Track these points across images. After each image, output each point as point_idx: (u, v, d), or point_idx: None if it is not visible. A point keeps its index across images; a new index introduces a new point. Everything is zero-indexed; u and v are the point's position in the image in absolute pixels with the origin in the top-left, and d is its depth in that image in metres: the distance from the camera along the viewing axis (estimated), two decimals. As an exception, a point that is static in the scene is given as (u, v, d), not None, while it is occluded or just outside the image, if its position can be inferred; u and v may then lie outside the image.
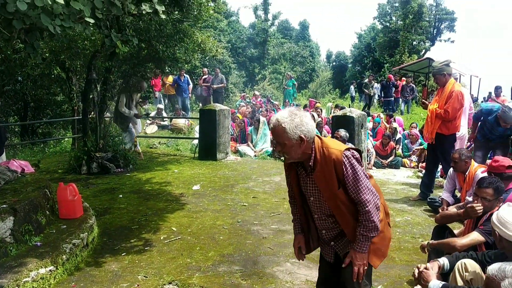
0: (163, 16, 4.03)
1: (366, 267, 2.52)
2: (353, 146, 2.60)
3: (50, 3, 3.10)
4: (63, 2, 3.18)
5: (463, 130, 6.64)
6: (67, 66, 10.53)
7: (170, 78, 15.84)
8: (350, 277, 2.52)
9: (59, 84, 12.29)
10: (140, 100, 11.05)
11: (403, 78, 18.45)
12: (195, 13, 8.57)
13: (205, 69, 17.56)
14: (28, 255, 3.63)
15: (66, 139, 12.71)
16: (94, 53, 8.32)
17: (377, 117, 11.77)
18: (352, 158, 2.41)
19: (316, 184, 2.51)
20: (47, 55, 9.36)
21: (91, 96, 8.65)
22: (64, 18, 3.29)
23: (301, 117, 2.41)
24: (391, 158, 9.42)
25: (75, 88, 11.34)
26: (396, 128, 10.44)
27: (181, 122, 13.71)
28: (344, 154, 2.39)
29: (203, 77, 16.90)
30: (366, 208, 2.41)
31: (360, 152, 2.54)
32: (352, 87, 22.70)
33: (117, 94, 9.17)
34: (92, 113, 8.98)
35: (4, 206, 3.79)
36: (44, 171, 8.18)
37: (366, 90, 17.89)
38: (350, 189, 2.42)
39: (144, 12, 3.92)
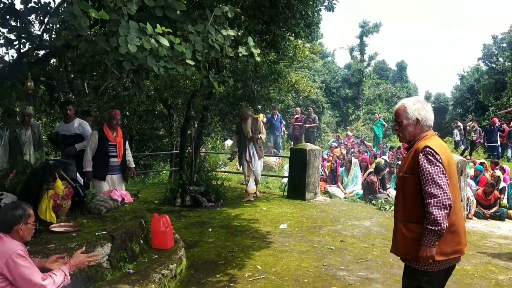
0: (258, 59, 4.18)
1: (431, 261, 2.70)
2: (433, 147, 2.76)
3: (157, 46, 3.37)
4: (168, 45, 3.44)
5: None
6: (169, 103, 11.26)
7: (261, 116, 16.22)
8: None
9: (161, 119, 13.16)
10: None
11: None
12: (290, 54, 8.82)
13: (298, 109, 17.74)
14: (121, 281, 3.83)
15: (164, 171, 13.44)
16: (194, 92, 8.84)
17: (479, 164, 10.96)
18: (429, 153, 2.71)
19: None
20: (152, 92, 10.13)
21: (188, 132, 9.13)
22: (167, 60, 3.55)
23: (423, 104, 2.92)
24: (494, 209, 8.66)
25: (175, 124, 12.06)
26: (499, 176, 9.62)
27: (272, 160, 13.87)
28: (424, 148, 2.73)
29: (296, 116, 17.08)
30: (428, 200, 2.63)
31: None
32: (456, 131, 19.43)
33: (213, 131, 9.60)
34: (189, 148, 9.45)
35: (104, 233, 4.07)
36: (142, 201, 8.68)
37: (468, 136, 16.81)
38: (421, 179, 2.70)
39: (240, 54, 4.10)
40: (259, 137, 8.75)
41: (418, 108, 2.88)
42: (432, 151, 2.71)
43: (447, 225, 2.63)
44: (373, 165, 10.67)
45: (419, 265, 2.77)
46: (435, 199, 2.62)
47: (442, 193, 2.62)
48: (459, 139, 19.09)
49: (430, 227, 2.61)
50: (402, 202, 2.88)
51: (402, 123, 2.91)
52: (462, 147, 18.65)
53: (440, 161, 2.70)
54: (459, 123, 19.38)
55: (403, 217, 2.85)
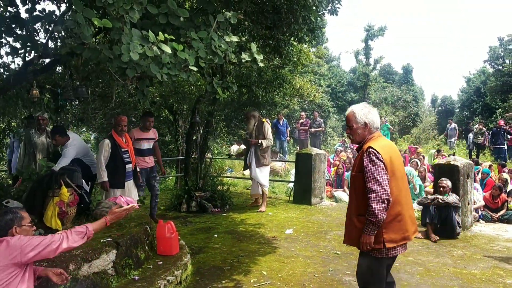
0: (261, 64, 4.19)
1: (370, 247, 3.09)
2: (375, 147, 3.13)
3: (159, 53, 3.39)
4: (170, 52, 3.46)
5: None
6: (175, 109, 11.30)
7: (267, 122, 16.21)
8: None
9: (167, 125, 13.20)
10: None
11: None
12: (295, 59, 8.83)
13: (303, 113, 17.74)
14: None
15: (170, 177, 13.47)
16: (199, 97, 8.87)
17: (486, 167, 10.87)
18: (372, 153, 3.08)
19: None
20: (157, 99, 10.17)
21: (194, 138, 9.14)
22: (171, 67, 3.57)
23: (369, 109, 3.29)
24: (502, 212, 8.60)
25: (181, 130, 12.09)
26: (507, 179, 9.54)
27: (278, 164, 13.87)
28: (368, 149, 3.11)
29: (301, 121, 17.08)
30: (369, 195, 3.01)
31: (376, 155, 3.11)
32: (471, 134, 17.67)
33: (218, 136, 9.58)
34: (195, 153, 9.46)
35: (109, 239, 4.09)
36: (148, 207, 8.70)
37: (475, 138, 16.72)
38: (365, 176, 3.07)
39: (243, 60, 4.11)
40: (259, 142, 8.29)
41: (366, 113, 3.27)
42: (375, 151, 3.09)
43: (385, 217, 3.02)
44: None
45: (373, 252, 3.15)
46: (374, 194, 3.00)
47: (380, 189, 2.99)
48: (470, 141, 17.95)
49: (370, 219, 3.02)
50: (354, 198, 3.26)
51: (353, 127, 3.30)
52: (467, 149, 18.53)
53: (382, 160, 3.07)
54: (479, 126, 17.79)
55: (356, 211, 3.21)
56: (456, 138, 20.37)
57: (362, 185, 3.10)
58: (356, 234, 3.17)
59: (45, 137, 7.17)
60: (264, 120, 8.54)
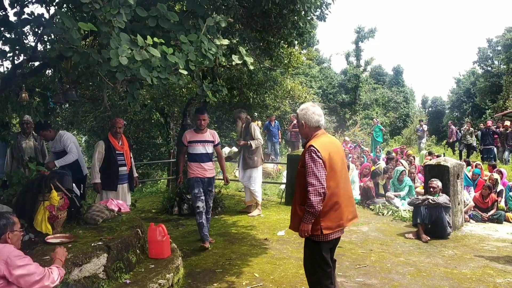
0: (251, 67, 4.20)
1: (307, 235, 3.51)
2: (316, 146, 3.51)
3: (148, 57, 3.39)
4: (159, 56, 3.46)
5: None
6: (166, 112, 11.28)
7: (259, 123, 16.20)
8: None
9: (158, 128, 13.18)
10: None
11: (506, 124, 17.05)
12: (286, 61, 8.85)
13: (293, 115, 17.73)
14: (117, 292, 3.82)
15: (161, 180, 13.43)
16: (190, 100, 8.85)
17: (476, 167, 10.94)
18: (312, 151, 3.45)
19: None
20: (148, 101, 10.15)
21: (185, 141, 9.11)
22: (160, 71, 3.56)
23: (306, 110, 3.70)
24: (492, 212, 8.66)
25: (172, 133, 12.06)
26: (497, 179, 9.61)
27: (270, 166, 13.86)
28: (309, 147, 3.49)
29: (294, 123, 17.07)
30: (308, 188, 3.39)
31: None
32: (468, 135, 16.97)
33: None
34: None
35: (100, 243, 4.07)
36: (139, 210, 8.67)
37: (464, 139, 16.87)
38: (305, 171, 3.44)
39: (233, 63, 4.12)
40: (248, 143, 7.98)
41: (303, 114, 3.72)
42: (314, 149, 3.46)
43: (321, 208, 3.42)
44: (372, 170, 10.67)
45: (313, 237, 3.55)
46: (312, 188, 3.37)
47: (318, 183, 3.37)
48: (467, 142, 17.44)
49: (308, 209, 3.40)
50: (299, 189, 3.60)
51: (299, 126, 3.80)
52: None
53: (320, 157, 3.43)
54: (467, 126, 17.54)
55: (300, 201, 3.56)
56: (425, 139, 20.35)
57: (304, 179, 3.46)
58: (298, 221, 3.55)
59: (32, 140, 7.17)
60: (256, 122, 8.44)
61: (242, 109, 8.53)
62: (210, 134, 6.20)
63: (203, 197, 6.01)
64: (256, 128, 8.20)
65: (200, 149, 6.06)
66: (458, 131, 19.20)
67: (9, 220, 3.02)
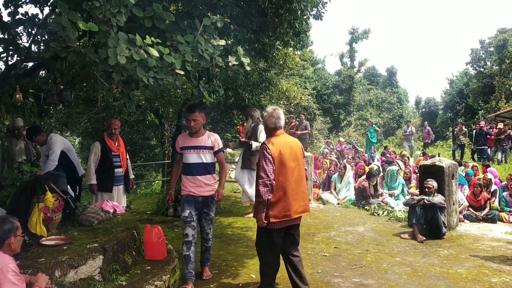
0: (248, 68, 4.20)
1: (262, 223, 4.02)
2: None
3: (146, 57, 3.37)
4: (157, 56, 3.44)
5: None
6: (160, 113, 11.24)
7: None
8: None
9: (152, 129, 13.13)
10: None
11: (500, 124, 17.14)
12: (281, 62, 8.86)
13: (292, 116, 17.69)
14: (114, 294, 3.78)
15: (156, 181, 13.38)
16: (185, 101, 8.82)
17: (470, 168, 11.00)
18: (264, 149, 4.01)
19: None
20: (143, 102, 10.11)
21: (180, 142, 9.08)
22: (157, 71, 3.55)
23: (269, 113, 4.19)
24: (486, 211, 8.70)
25: (167, 134, 12.02)
26: (491, 179, 9.67)
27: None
28: (262, 145, 4.08)
29: (292, 124, 17.02)
30: (257, 180, 3.98)
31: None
32: (461, 136, 16.56)
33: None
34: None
35: (96, 245, 4.03)
36: (134, 211, 8.63)
37: (457, 140, 16.93)
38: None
39: (230, 64, 4.11)
40: (250, 143, 7.76)
41: (266, 116, 4.22)
42: (265, 147, 4.02)
43: (269, 198, 3.93)
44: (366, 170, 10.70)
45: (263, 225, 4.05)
46: (261, 180, 3.93)
47: (265, 176, 3.92)
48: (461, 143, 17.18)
49: (258, 199, 3.97)
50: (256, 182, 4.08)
51: (265, 128, 4.30)
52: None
53: (270, 153, 3.97)
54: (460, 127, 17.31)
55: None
56: (413, 142, 19.29)
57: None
58: (255, 209, 4.15)
59: (23, 143, 7.14)
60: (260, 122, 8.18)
61: (255, 108, 8.41)
62: (209, 139, 4.75)
63: (194, 223, 4.69)
64: (263, 131, 8.08)
65: (194, 157, 4.68)
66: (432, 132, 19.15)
67: (13, 225, 3.02)
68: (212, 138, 4.77)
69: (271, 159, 3.95)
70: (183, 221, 4.69)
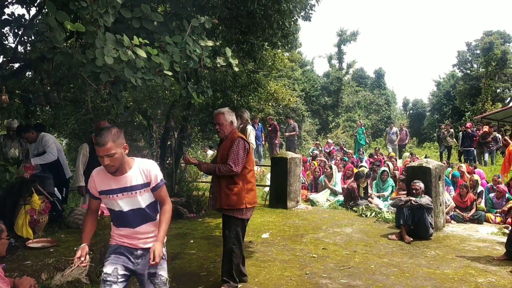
0: (236, 69, 4.21)
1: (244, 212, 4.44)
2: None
3: (134, 57, 3.35)
4: (145, 56, 3.43)
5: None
6: (149, 114, 11.19)
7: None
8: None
9: (140, 131, 13.06)
10: None
11: (485, 127, 17.34)
12: (269, 63, 8.88)
13: (271, 118, 17.64)
14: (101, 296, 3.75)
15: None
16: (173, 102, 8.80)
17: (456, 170, 11.11)
18: (240, 142, 4.36)
19: (219, 150, 4.53)
20: (131, 103, 10.05)
21: (168, 143, 9.07)
22: (145, 72, 3.54)
23: (232, 112, 4.53)
24: (472, 211, 8.80)
25: (155, 135, 11.97)
26: (477, 180, 9.78)
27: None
28: (238, 138, 4.37)
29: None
30: (231, 169, 4.29)
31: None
32: (448, 138, 16.90)
33: (193, 141, 9.47)
34: (169, 159, 9.37)
35: (83, 247, 3.99)
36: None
37: (444, 141, 17.11)
38: (229, 155, 4.31)
39: (218, 65, 4.11)
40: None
41: (231, 114, 4.50)
42: (243, 140, 4.41)
43: (238, 171, 4.34)
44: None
45: (238, 213, 4.38)
46: (234, 163, 4.32)
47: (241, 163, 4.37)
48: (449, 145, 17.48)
49: (223, 169, 4.32)
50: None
51: (222, 124, 4.43)
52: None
53: (247, 148, 4.41)
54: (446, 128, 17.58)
55: (226, 182, 4.37)
56: (396, 143, 18.44)
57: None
58: (226, 199, 4.39)
59: (18, 145, 7.15)
60: (249, 123, 8.21)
61: (245, 109, 8.44)
62: (139, 173, 2.98)
63: (117, 286, 2.92)
64: (251, 132, 8.11)
65: (124, 203, 2.97)
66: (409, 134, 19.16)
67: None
68: (144, 171, 2.99)
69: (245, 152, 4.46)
70: (102, 281, 2.94)
